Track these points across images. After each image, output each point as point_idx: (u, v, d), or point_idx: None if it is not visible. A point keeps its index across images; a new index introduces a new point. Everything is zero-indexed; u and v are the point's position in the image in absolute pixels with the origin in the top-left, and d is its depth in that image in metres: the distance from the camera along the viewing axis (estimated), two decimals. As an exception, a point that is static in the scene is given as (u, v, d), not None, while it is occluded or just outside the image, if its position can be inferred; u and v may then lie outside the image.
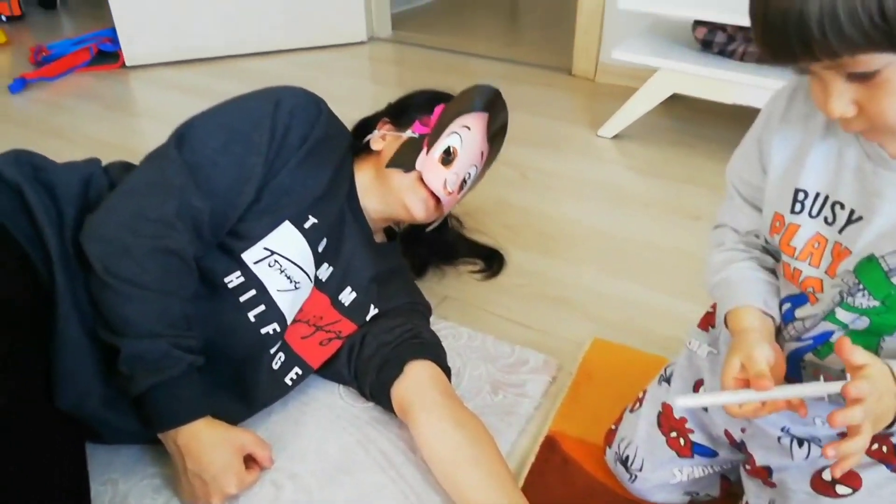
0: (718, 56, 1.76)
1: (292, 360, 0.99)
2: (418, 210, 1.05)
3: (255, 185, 0.91)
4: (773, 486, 0.74)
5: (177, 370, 0.81)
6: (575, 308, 1.26)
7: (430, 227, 1.16)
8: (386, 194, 1.06)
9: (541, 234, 1.50)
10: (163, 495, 0.88)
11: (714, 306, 0.83)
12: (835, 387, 0.56)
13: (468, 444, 0.88)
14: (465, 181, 1.09)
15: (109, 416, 0.85)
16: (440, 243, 1.30)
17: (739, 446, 0.78)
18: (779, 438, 0.72)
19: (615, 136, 1.94)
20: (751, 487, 0.77)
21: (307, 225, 0.96)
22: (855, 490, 0.67)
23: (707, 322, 0.86)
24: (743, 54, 1.72)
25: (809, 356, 0.68)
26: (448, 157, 1.04)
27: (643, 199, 1.64)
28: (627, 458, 0.85)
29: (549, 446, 0.95)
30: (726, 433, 0.79)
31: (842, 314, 0.63)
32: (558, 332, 1.20)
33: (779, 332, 0.70)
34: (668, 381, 0.85)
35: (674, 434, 0.83)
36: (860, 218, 0.60)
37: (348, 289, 1.04)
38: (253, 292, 0.92)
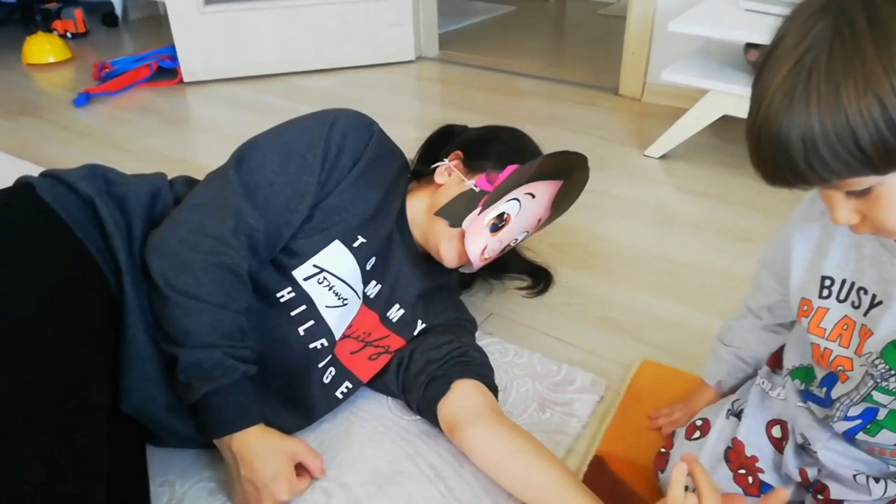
0: (771, 79, 1.74)
1: (343, 374, 1.01)
2: (449, 260, 1.07)
3: (308, 203, 0.94)
4: None
5: (230, 378, 0.84)
6: (622, 329, 1.26)
7: (461, 269, 1.14)
8: (427, 231, 1.08)
9: (588, 253, 1.50)
10: (217, 498, 0.90)
11: (781, 347, 0.86)
12: None
13: (525, 441, 0.89)
14: (508, 245, 1.09)
15: (171, 421, 0.88)
16: None
17: (811, 484, 0.78)
18: (854, 477, 0.72)
19: (663, 157, 1.93)
20: None
21: (356, 244, 0.98)
22: None
23: (774, 362, 0.87)
24: (796, 77, 1.70)
25: (861, 435, 0.70)
26: (498, 224, 1.03)
27: (693, 221, 1.62)
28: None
29: (598, 466, 0.94)
30: (801, 472, 0.78)
31: (879, 396, 0.66)
32: (605, 352, 1.19)
33: (829, 418, 0.74)
34: (737, 416, 0.85)
35: (742, 471, 0.81)
36: (881, 302, 0.64)
37: (396, 306, 1.06)
38: (303, 307, 0.95)
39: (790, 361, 0.80)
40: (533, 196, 1.05)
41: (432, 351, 1.02)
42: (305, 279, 0.95)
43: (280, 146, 0.95)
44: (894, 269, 0.63)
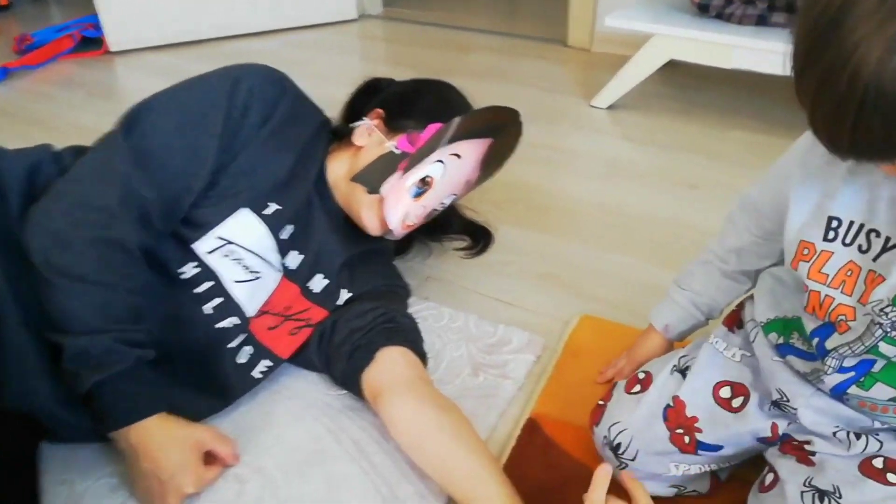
0: (716, 20, 1.69)
1: (260, 352, 0.94)
2: (373, 228, 0.99)
3: (208, 168, 0.86)
4: (811, 465, 0.69)
5: (123, 366, 0.77)
6: (566, 285, 1.20)
7: (386, 237, 1.05)
8: (348, 198, 0.99)
9: (530, 208, 1.44)
10: (119, 495, 0.83)
11: (740, 305, 0.82)
12: None
13: (447, 420, 0.83)
14: (434, 210, 1.01)
15: (62, 413, 0.81)
16: None
17: (780, 438, 0.74)
18: (834, 433, 0.68)
19: (610, 107, 1.87)
20: (784, 465, 0.71)
21: (268, 211, 0.91)
22: None
23: (733, 321, 0.82)
24: (741, 17, 1.64)
25: (853, 388, 0.65)
26: (420, 189, 0.95)
27: (638, 170, 1.57)
28: (619, 445, 0.79)
29: (531, 429, 0.89)
30: (773, 426, 0.74)
31: (885, 348, 0.62)
32: (548, 310, 1.14)
33: (817, 371, 0.68)
34: (682, 372, 0.80)
35: (680, 430, 0.77)
36: (895, 245, 0.59)
37: (319, 275, 0.98)
38: (208, 284, 0.88)
39: (763, 314, 0.75)
40: (459, 156, 0.96)
41: (356, 319, 0.95)
42: (209, 252, 0.88)
43: (178, 106, 0.87)
44: None
